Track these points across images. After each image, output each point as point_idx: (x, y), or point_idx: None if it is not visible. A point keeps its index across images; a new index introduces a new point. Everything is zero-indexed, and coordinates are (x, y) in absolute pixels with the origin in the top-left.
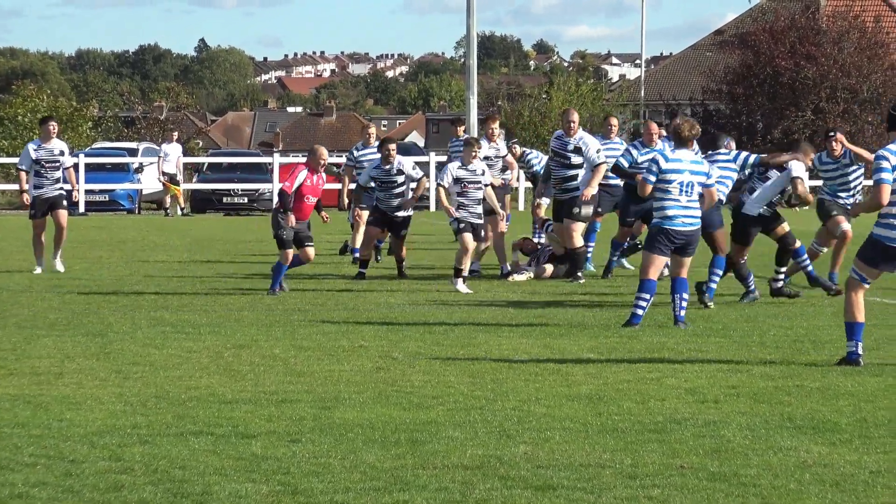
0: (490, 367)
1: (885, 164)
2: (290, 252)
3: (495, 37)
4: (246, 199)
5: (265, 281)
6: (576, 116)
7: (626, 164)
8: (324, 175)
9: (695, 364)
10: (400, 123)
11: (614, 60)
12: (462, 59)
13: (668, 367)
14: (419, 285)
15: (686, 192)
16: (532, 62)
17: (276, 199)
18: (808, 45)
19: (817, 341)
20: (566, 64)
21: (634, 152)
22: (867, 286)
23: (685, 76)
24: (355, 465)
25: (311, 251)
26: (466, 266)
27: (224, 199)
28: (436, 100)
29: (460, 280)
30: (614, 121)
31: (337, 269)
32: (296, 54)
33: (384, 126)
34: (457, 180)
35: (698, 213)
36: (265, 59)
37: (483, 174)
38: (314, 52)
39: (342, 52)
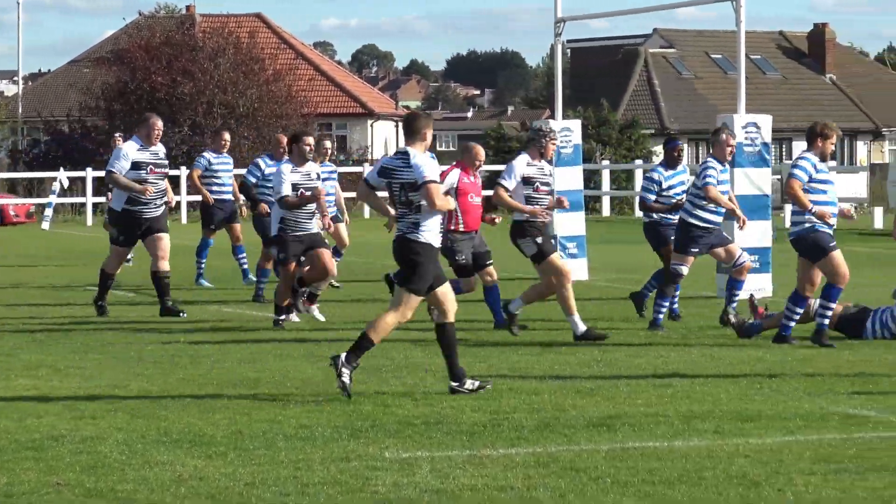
0: None
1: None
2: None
3: None
4: None
5: None
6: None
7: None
8: (479, 175)
9: (75, 380)
10: None
11: None
12: None
13: (46, 385)
14: None
15: None
16: None
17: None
18: (185, 61)
19: (195, 356)
20: None
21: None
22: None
23: (64, 92)
24: None
25: (492, 270)
26: None
27: None
28: None
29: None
30: (328, 143)
31: None
32: None
33: None
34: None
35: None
36: None
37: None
38: None
39: None
